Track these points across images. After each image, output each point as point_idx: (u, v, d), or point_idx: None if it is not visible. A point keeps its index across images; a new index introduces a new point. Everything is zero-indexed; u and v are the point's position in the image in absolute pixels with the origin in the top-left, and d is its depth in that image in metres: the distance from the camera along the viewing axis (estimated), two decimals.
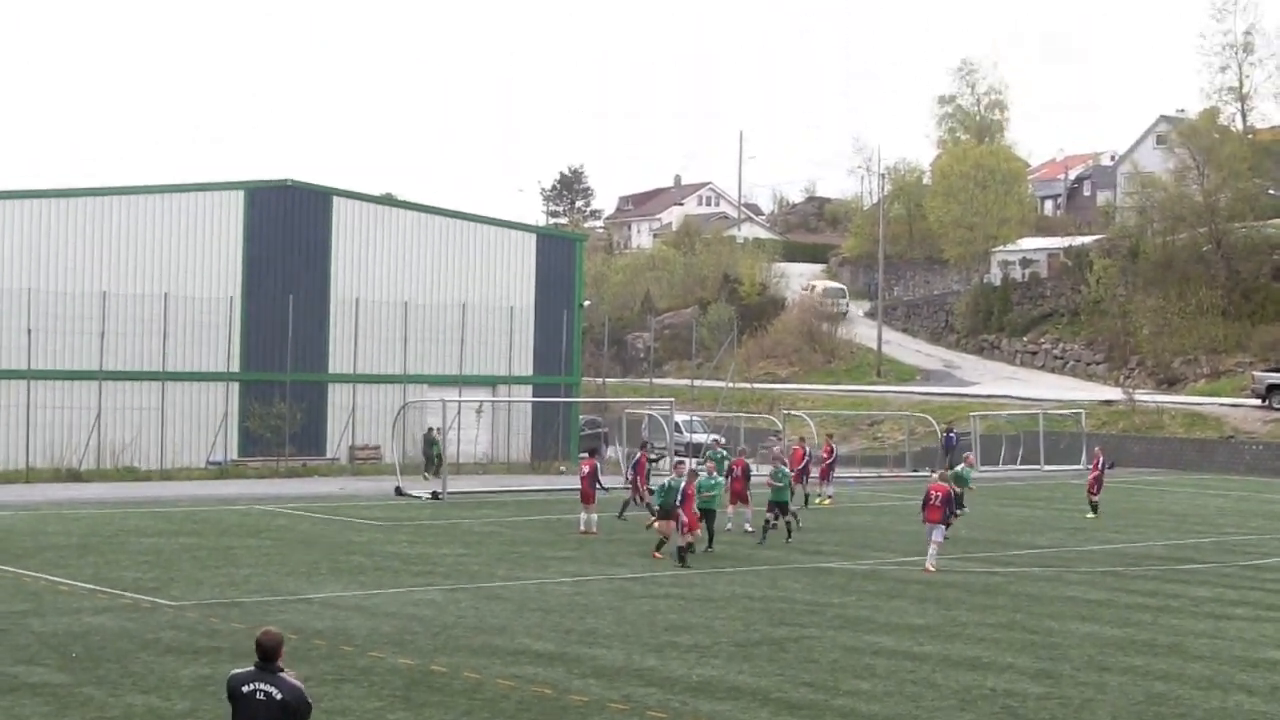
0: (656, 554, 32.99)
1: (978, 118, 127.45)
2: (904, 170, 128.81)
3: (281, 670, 11.75)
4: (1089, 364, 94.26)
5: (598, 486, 38.42)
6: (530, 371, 64.83)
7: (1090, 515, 45.40)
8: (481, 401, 61.26)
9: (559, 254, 66.67)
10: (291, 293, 58.11)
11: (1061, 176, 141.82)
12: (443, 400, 53.91)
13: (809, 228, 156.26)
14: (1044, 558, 35.47)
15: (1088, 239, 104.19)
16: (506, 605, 26.08)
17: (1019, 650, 22.90)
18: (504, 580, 29.34)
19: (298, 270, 59.01)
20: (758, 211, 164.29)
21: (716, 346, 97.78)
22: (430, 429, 55.74)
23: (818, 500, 47.62)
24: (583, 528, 37.72)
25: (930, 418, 73.11)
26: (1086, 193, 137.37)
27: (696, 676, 20.42)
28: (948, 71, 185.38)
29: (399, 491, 48.20)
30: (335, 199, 60.73)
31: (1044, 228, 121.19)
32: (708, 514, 33.87)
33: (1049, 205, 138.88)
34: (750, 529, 38.06)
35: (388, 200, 71.15)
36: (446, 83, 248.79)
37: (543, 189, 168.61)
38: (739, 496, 38.59)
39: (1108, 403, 79.05)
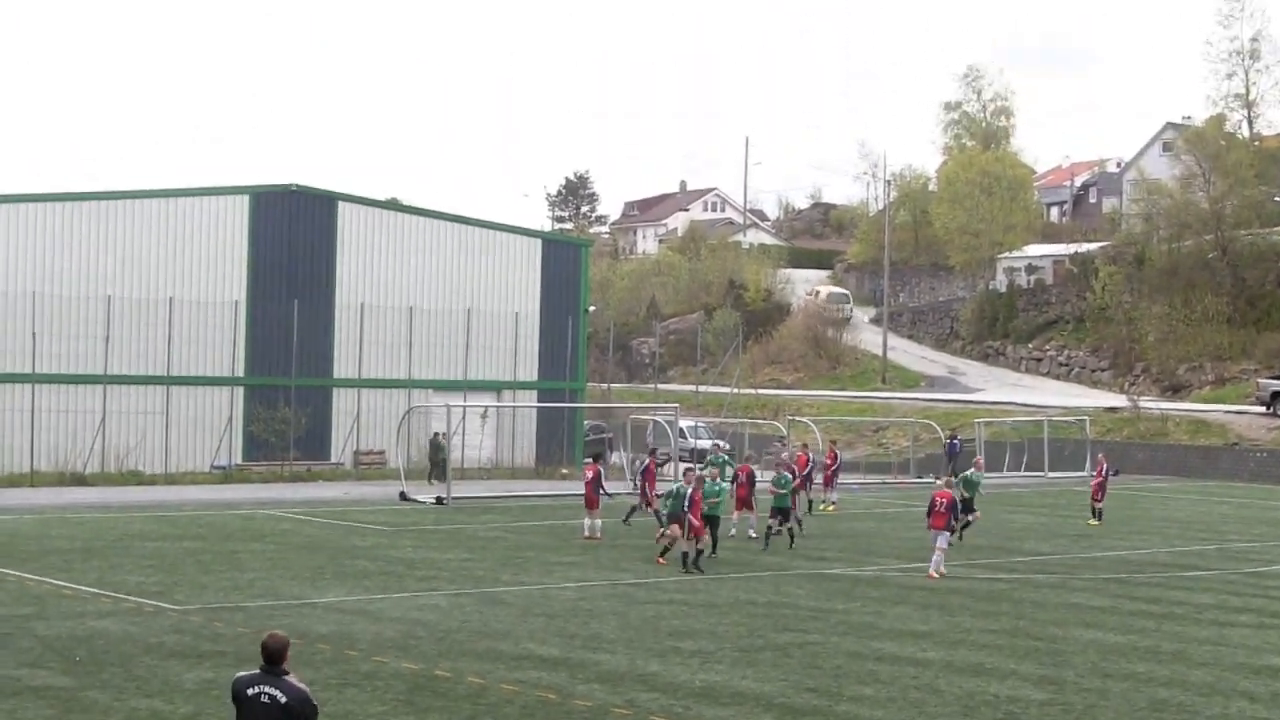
0: (661, 559, 33.02)
1: (984, 124, 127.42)
2: (910, 177, 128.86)
3: (287, 674, 11.77)
4: (1094, 371, 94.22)
5: (601, 492, 38.43)
6: (535, 377, 64.82)
7: (1094, 522, 45.37)
8: (486, 407, 61.27)
9: (564, 259, 66.67)
10: (296, 297, 58.14)
11: (1067, 183, 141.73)
12: (447, 405, 53.92)
13: (815, 234, 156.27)
14: (1048, 564, 35.46)
15: (1093, 246, 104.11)
16: (510, 610, 26.10)
17: (1022, 657, 22.90)
18: (508, 585, 29.36)
19: (302, 275, 59.04)
20: (763, 217, 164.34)
21: (721, 352, 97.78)
22: (436, 434, 55.75)
23: (822, 506, 47.62)
24: (587, 533, 37.72)
25: (935, 424, 73.08)
26: (1092, 200, 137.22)
27: (700, 682, 20.43)
28: (953, 78, 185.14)
29: (403, 496, 48.21)
30: (340, 204, 60.76)
31: (1049, 234, 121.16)
32: (711, 520, 33.87)
33: (1055, 212, 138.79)
34: (754, 535, 38.06)
35: (393, 205, 71.27)
36: (449, 86, 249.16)
37: (548, 194, 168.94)
38: (744, 503, 38.59)
39: (1112, 409, 79.00)
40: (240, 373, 57.43)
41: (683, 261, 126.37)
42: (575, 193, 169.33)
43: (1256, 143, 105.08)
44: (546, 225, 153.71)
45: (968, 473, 41.09)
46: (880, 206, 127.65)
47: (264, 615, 24.63)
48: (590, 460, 41.05)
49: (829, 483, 49.47)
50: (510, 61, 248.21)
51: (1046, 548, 39.16)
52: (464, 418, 57.37)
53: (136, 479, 52.70)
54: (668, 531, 33.14)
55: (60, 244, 54.36)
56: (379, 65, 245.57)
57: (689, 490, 32.62)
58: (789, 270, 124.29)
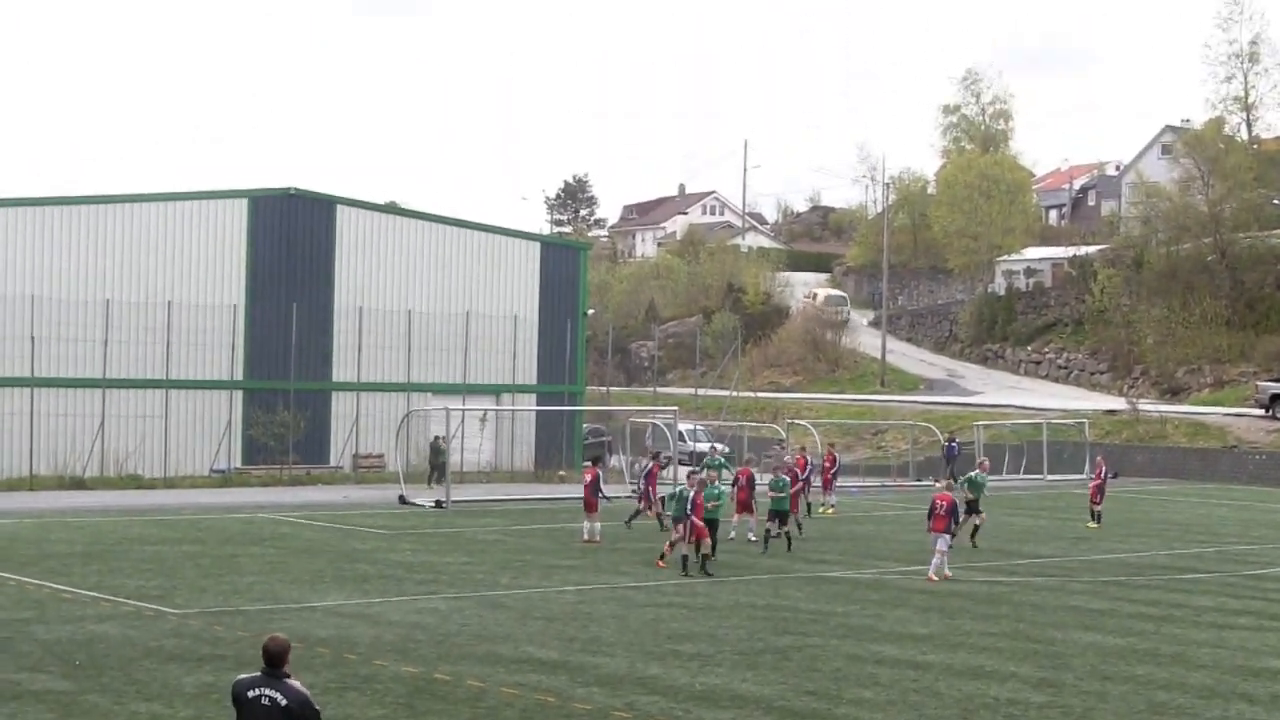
0: (661, 563, 33.05)
1: (982, 127, 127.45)
2: (908, 180, 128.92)
3: (288, 676, 11.78)
4: (1093, 374, 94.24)
5: (600, 495, 38.44)
6: (534, 380, 64.84)
7: (1093, 525, 45.38)
8: (485, 410, 61.28)
9: (563, 263, 66.69)
10: (295, 301, 58.16)
11: (1066, 186, 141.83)
12: (446, 409, 53.94)
13: (813, 237, 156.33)
14: (1047, 567, 35.47)
15: (1092, 249, 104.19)
16: (510, 613, 26.10)
17: (1022, 659, 22.91)
18: (507, 589, 29.36)
19: (301, 278, 59.05)
20: (762, 221, 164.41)
21: (720, 355, 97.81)
22: (437, 438, 55.75)
23: (820, 509, 47.62)
24: (586, 536, 37.73)
25: (934, 427, 73.09)
26: (1091, 202, 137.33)
27: (700, 685, 20.43)
28: (952, 81, 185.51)
29: (402, 500, 48.22)
30: (339, 207, 60.79)
31: (1048, 237, 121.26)
32: (710, 523, 33.88)
33: (1053, 215, 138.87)
34: (754, 538, 38.07)
35: (391, 208, 71.29)
36: (449, 88, 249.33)
37: (547, 198, 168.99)
38: (744, 506, 38.60)
39: (1111, 412, 79.04)
40: (239, 376, 57.44)
41: (681, 265, 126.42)
42: (574, 196, 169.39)
43: (1255, 146, 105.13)
44: (545, 229, 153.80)
45: (973, 474, 41.11)
46: (879, 209, 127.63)
47: (263, 619, 24.63)
48: (589, 464, 41.07)
49: (827, 485, 49.50)
50: (509, 63, 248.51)
51: (1046, 550, 39.17)
52: (463, 421, 57.37)
53: (136, 483, 52.72)
54: (674, 533, 33.20)
55: (59, 247, 54.36)
56: (379, 66, 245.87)
57: (691, 493, 32.66)
58: (788, 273, 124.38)
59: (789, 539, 36.88)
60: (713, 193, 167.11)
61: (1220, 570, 35.84)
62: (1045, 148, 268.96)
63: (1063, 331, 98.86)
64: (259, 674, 11.79)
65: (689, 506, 32.39)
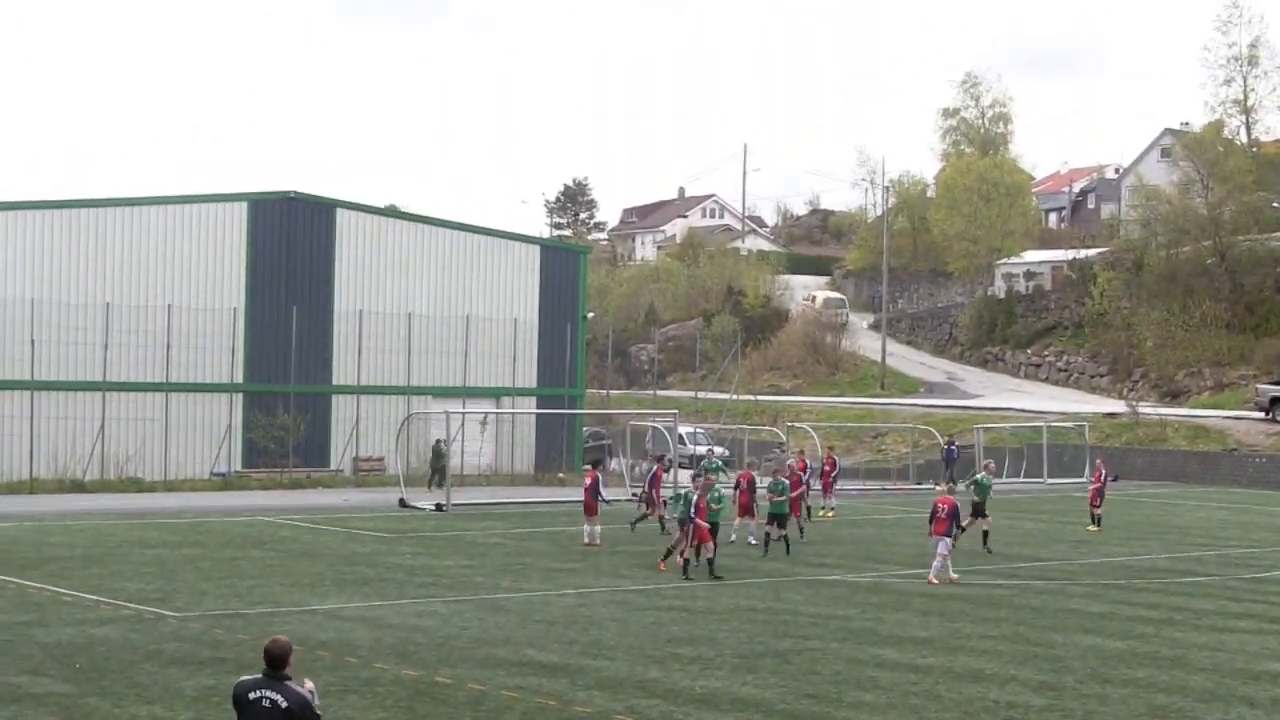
0: (662, 565, 33.07)
1: (982, 131, 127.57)
2: (908, 183, 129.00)
3: (289, 679, 11.80)
4: (1093, 376, 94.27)
5: (600, 499, 38.44)
6: (534, 383, 64.85)
7: (1093, 528, 45.38)
8: (485, 413, 61.29)
9: (563, 266, 66.71)
10: (295, 304, 58.18)
11: (1066, 189, 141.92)
12: (446, 412, 53.93)
13: (813, 240, 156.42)
14: (1047, 570, 35.46)
15: (1092, 252, 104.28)
16: (510, 617, 26.10)
17: (1022, 663, 22.91)
18: (508, 592, 29.36)
19: (301, 281, 59.07)
20: (762, 224, 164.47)
21: (720, 359, 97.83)
22: (438, 441, 55.76)
23: (820, 513, 47.60)
24: (586, 540, 37.73)
25: (934, 430, 73.09)
26: (1090, 205, 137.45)
27: (700, 688, 20.43)
28: (951, 84, 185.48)
29: (403, 503, 48.21)
30: (339, 210, 60.81)
31: (1048, 240, 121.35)
32: (712, 527, 33.88)
33: (1053, 218, 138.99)
34: (754, 542, 38.07)
35: (391, 212, 71.34)
36: (447, 92, 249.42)
37: (547, 201, 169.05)
38: (746, 509, 38.59)
39: (1111, 415, 79.06)
40: (239, 379, 57.44)
41: (681, 268, 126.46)
42: (574, 199, 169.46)
43: (1255, 148, 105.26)
44: (545, 232, 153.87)
45: (979, 476, 41.12)
46: (879, 213, 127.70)
47: (264, 622, 24.63)
48: (589, 467, 41.08)
49: (827, 489, 49.50)
50: (509, 66, 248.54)
51: (1046, 554, 39.17)
52: (463, 424, 57.36)
53: (136, 486, 52.73)
54: (678, 535, 33.21)
55: (59, 251, 54.38)
56: (379, 69, 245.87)
57: (695, 496, 32.67)
58: (787, 276, 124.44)
59: (787, 542, 36.88)
60: (712, 196, 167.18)
61: (1220, 574, 35.85)
62: (1045, 151, 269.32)
63: (1062, 334, 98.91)
64: (260, 676, 11.81)
65: (692, 509, 32.40)
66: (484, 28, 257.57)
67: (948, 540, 32.07)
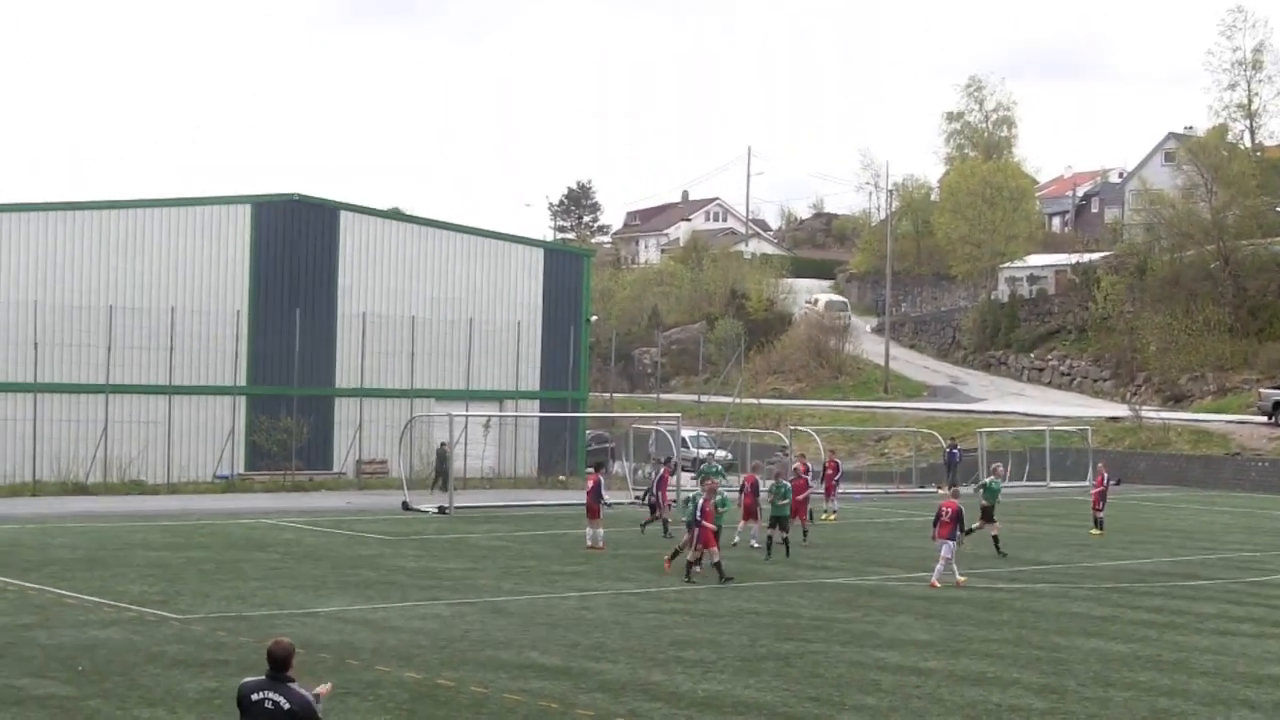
0: (669, 566, 33.09)
1: (986, 134, 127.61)
2: (912, 187, 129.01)
3: (292, 680, 11.82)
4: (1096, 380, 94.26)
5: (603, 502, 38.45)
6: (537, 386, 64.85)
7: (1095, 531, 45.39)
8: (489, 416, 61.30)
9: (566, 269, 66.73)
10: (298, 307, 58.20)
11: (1069, 193, 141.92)
12: (449, 415, 53.97)
13: (816, 244, 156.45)
14: (1050, 574, 35.46)
15: (1095, 256, 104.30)
16: (513, 619, 26.11)
17: (1024, 666, 22.91)
18: (510, 594, 29.37)
19: (304, 284, 59.10)
20: (765, 227, 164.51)
21: (724, 362, 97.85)
22: (442, 444, 55.75)
23: (823, 516, 47.60)
24: (589, 542, 37.74)
25: (937, 434, 73.08)
26: (1094, 209, 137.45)
27: (702, 691, 20.44)
28: (955, 88, 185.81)
29: (406, 506, 48.23)
30: (342, 213, 60.84)
31: (1051, 244, 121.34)
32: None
33: (1057, 222, 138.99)
34: (756, 545, 38.09)
35: (394, 215, 71.39)
36: (450, 95, 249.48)
37: (550, 204, 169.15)
38: (750, 512, 38.63)
39: (1114, 419, 79.04)
40: (242, 382, 57.45)
41: (685, 271, 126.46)
42: (577, 202, 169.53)
43: (1258, 153, 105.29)
44: (548, 235, 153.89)
45: (988, 480, 41.12)
46: (882, 216, 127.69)
47: (266, 624, 24.63)
48: (592, 470, 41.12)
49: (830, 492, 49.50)
50: (511, 69, 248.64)
51: (1048, 557, 39.16)
52: (466, 427, 57.37)
53: (139, 488, 52.76)
54: (685, 538, 33.22)
55: (62, 253, 54.42)
56: (381, 70, 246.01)
57: (701, 499, 32.69)
58: (791, 280, 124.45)
59: (786, 545, 36.90)
60: (716, 199, 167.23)
61: (1223, 577, 35.84)
62: (1048, 155, 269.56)
63: (1066, 338, 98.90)
64: (263, 677, 11.84)
65: (698, 512, 32.41)
66: (487, 30, 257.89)
67: (951, 544, 32.08)
